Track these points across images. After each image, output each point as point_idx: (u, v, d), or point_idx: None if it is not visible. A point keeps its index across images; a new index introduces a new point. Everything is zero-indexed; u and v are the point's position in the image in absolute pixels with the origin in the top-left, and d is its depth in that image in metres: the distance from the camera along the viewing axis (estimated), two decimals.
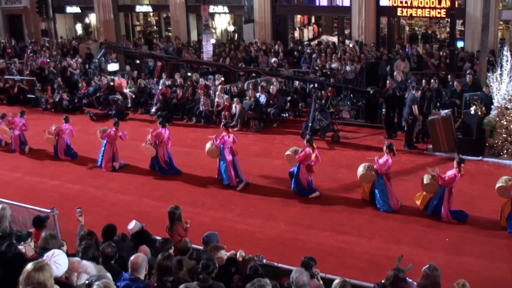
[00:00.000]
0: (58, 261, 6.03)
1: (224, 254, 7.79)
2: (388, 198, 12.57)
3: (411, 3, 24.79)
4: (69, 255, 6.82)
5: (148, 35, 34.68)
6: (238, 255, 7.98)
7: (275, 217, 12.60)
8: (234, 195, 14.00)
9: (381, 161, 12.55)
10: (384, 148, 12.72)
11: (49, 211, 9.63)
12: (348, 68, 21.55)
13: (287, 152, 14.16)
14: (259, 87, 20.80)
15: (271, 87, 20.56)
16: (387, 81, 18.10)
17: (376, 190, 12.72)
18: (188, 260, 7.96)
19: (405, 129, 17.20)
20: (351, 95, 19.12)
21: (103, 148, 16.20)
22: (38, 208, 10.38)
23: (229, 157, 14.37)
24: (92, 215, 12.08)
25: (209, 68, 24.17)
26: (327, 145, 17.50)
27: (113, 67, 24.03)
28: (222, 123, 15.08)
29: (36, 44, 33.18)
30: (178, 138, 17.93)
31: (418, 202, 12.58)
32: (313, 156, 13.37)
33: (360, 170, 12.96)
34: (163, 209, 12.29)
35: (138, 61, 27.19)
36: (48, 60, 27.64)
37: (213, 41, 26.84)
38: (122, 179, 15.41)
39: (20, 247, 6.85)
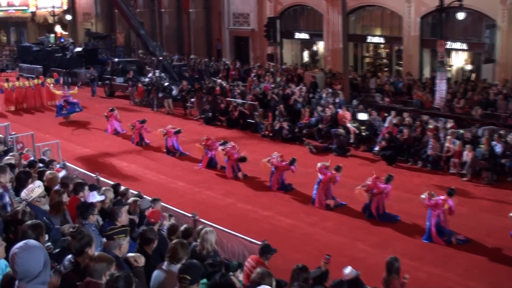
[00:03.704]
0: None
1: None
2: None
3: None
4: None
5: (377, 67, 35.58)
6: None
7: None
8: (456, 252, 14.08)
9: None
10: None
11: (259, 243, 10.67)
12: None
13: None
14: (496, 135, 20.46)
15: (510, 136, 20.15)
16: None
17: None
18: None
19: None
20: None
21: (316, 186, 17.37)
22: (249, 239, 11.78)
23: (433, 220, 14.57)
24: (302, 253, 13.14)
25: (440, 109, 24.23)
26: None
27: (362, 116, 24.48)
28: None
29: (261, 68, 36.19)
30: (400, 182, 18.42)
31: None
32: None
33: None
34: (378, 257, 13.01)
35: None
36: (271, 86, 30.04)
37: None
38: (336, 219, 16.38)
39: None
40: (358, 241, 14.78)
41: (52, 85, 34.69)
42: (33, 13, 62.49)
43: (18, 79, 35.98)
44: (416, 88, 27.73)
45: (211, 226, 11.19)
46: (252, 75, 34.38)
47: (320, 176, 17.28)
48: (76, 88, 31.35)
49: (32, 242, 5.12)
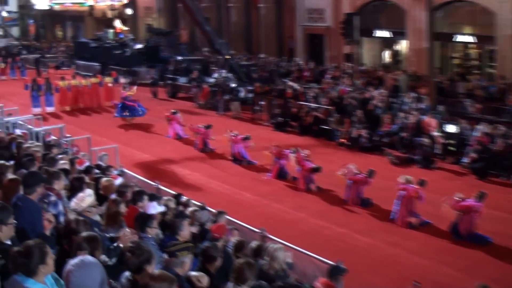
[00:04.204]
0: None
1: None
2: None
3: None
4: None
5: (466, 70, 34.73)
6: None
7: None
8: None
9: None
10: None
11: (333, 263, 10.53)
12: None
13: None
14: None
15: None
16: None
17: None
18: None
19: None
20: None
21: (398, 201, 17.10)
22: (322, 259, 11.63)
23: None
24: (380, 276, 12.96)
25: None
26: None
27: (451, 128, 24.06)
28: None
29: (337, 69, 35.99)
30: (494, 199, 17.80)
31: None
32: None
33: None
34: (466, 283, 12.78)
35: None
36: (348, 89, 29.80)
37: None
38: (420, 239, 16.10)
39: None
40: (444, 264, 14.52)
41: (110, 84, 35.46)
42: (91, 7, 64.00)
43: (74, 77, 36.88)
44: (511, 93, 26.98)
45: (281, 243, 11.09)
46: (327, 76, 34.21)
47: (402, 191, 16.98)
48: (135, 88, 31.87)
49: (89, 259, 5.12)
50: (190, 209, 12.16)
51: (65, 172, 11.19)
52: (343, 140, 25.79)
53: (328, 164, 21.05)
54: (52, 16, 71.41)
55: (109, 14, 60.35)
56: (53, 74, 45.38)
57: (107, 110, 33.79)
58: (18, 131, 17.83)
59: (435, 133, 23.68)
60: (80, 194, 9.00)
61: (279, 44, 45.28)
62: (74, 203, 8.87)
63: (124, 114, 30.18)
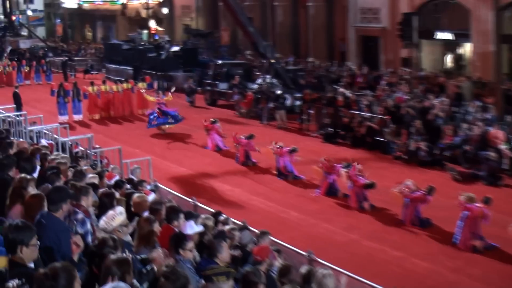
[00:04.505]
0: None
1: None
2: None
3: None
4: None
5: None
6: None
7: None
8: None
9: None
10: None
11: None
12: None
13: None
14: None
15: None
16: None
17: None
18: None
19: None
20: None
21: (461, 222, 16.90)
22: (375, 285, 11.63)
23: None
24: None
25: None
26: None
27: None
28: None
29: (393, 74, 35.74)
30: None
31: None
32: None
33: None
34: None
35: None
36: (406, 97, 29.57)
37: None
38: (484, 264, 15.91)
39: None
40: None
41: (144, 90, 35.80)
42: (124, 6, 64.81)
43: (104, 82, 37.47)
44: None
45: (330, 267, 11.02)
46: (383, 83, 34.00)
47: (466, 211, 16.77)
48: (170, 94, 32.15)
49: (122, 286, 5.12)
50: (230, 228, 12.14)
51: (94, 187, 11.29)
52: (399, 153, 25.63)
53: (382, 180, 20.95)
54: (81, 16, 72.53)
55: (143, 13, 61.00)
56: (82, 78, 46.19)
57: (140, 118, 34.14)
58: (43, 141, 18.01)
59: (503, 146, 23.38)
60: (110, 212, 9.04)
61: (329, 47, 45.26)
62: (103, 221, 8.90)
63: (153, 123, 30.40)
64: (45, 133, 20.92)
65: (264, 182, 23.08)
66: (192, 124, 31.32)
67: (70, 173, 12.00)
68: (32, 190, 9.12)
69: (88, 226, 9.10)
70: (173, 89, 34.96)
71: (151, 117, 30.68)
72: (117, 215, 8.88)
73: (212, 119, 28.52)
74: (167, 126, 30.65)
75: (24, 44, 65.17)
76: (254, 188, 22.30)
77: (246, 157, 25.27)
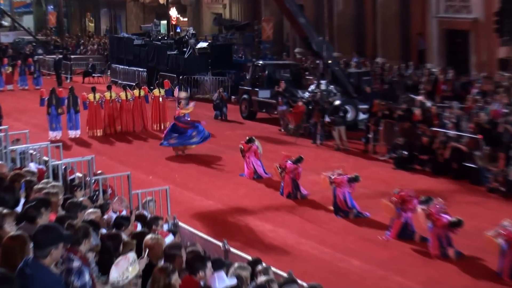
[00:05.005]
0: None
1: None
2: None
3: None
4: None
5: None
6: None
7: None
8: None
9: None
10: None
11: None
12: None
13: None
14: None
15: None
16: None
17: None
18: None
19: None
20: None
21: None
22: None
23: None
24: None
25: None
26: None
27: None
28: None
29: (488, 81, 35.51)
30: None
31: None
32: None
33: None
34: None
35: None
36: (505, 110, 29.32)
37: None
38: None
39: None
40: None
41: (161, 98, 35.95)
42: None
43: (109, 88, 37.50)
44: None
45: None
46: (474, 91, 33.84)
47: None
48: (192, 104, 32.20)
49: None
50: (269, 279, 12.07)
51: (94, 226, 11.31)
52: (495, 184, 25.47)
53: (473, 219, 20.93)
54: (81, 2, 73.22)
55: None
56: (80, 83, 46.58)
57: (155, 135, 34.34)
58: (32, 165, 18.13)
59: None
60: (121, 261, 9.02)
61: (403, 44, 45.26)
62: (116, 274, 8.88)
63: (171, 142, 30.44)
64: (31, 154, 21.06)
65: (317, 221, 22.98)
66: (222, 143, 31.44)
67: (63, 207, 12.05)
68: (10, 229, 9.13)
69: (87, 277, 9.08)
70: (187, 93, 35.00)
71: (173, 134, 30.64)
72: (131, 265, 8.86)
73: (249, 138, 28.51)
74: (189, 145, 30.70)
75: (6, 38, 66.05)
76: (303, 229, 22.22)
77: (293, 188, 25.18)
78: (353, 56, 44.41)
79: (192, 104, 32.47)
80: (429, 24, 42.62)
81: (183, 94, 34.71)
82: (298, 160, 25.40)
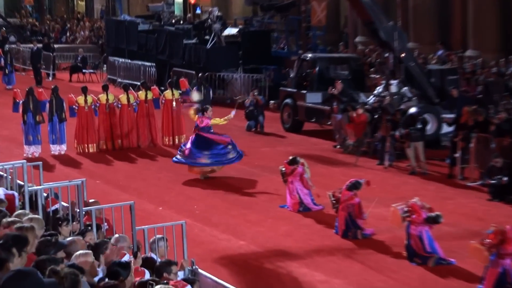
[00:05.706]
0: None
1: None
2: None
3: None
4: None
5: None
6: None
7: None
8: None
9: None
10: None
11: None
12: None
13: None
14: None
15: None
16: None
17: None
18: None
19: None
20: None
21: None
22: None
23: None
24: None
25: None
26: None
27: None
28: None
29: None
30: None
31: None
32: None
33: None
34: None
35: None
36: None
37: None
38: None
39: None
40: None
41: (175, 102, 36.00)
42: None
43: (105, 88, 37.37)
44: None
45: None
46: None
47: None
48: (233, 113, 31.87)
49: None
50: None
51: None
52: None
53: None
54: None
55: None
56: (67, 81, 46.77)
57: (167, 152, 34.36)
58: (0, 191, 18.23)
59: None
60: None
61: (503, 33, 45.06)
62: None
63: (204, 161, 30.25)
64: (0, 176, 21.21)
65: (384, 269, 22.92)
66: (257, 163, 31.51)
67: (43, 248, 12.11)
68: None
69: None
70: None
71: (203, 151, 30.56)
72: None
73: (293, 157, 28.46)
74: (217, 166, 30.66)
75: None
76: (366, 279, 22.21)
77: (351, 224, 25.11)
78: (436, 48, 44.32)
79: (232, 113, 31.98)
80: None
81: (196, 96, 34.68)
82: (355, 186, 25.16)
